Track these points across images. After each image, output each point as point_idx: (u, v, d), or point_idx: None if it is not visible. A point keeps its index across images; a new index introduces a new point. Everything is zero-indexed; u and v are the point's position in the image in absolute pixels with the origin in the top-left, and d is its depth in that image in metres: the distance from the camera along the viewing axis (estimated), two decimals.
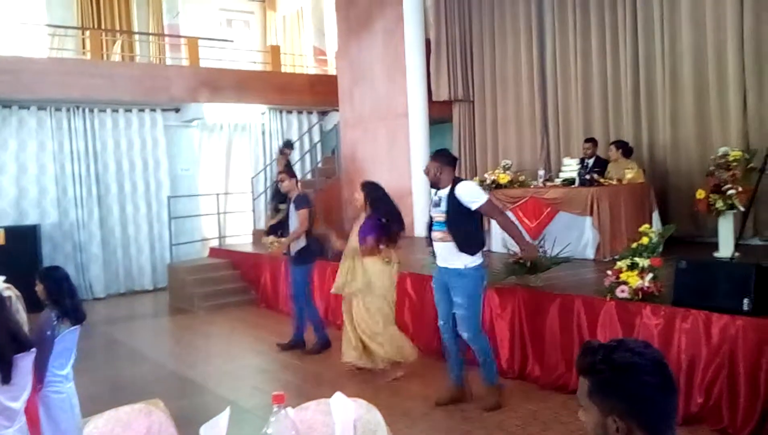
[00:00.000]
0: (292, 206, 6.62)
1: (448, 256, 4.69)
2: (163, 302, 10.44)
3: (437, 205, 4.74)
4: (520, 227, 5.61)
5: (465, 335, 4.74)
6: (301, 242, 6.57)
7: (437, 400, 4.97)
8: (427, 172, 4.79)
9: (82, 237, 10.90)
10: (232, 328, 8.26)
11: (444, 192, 4.70)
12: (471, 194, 4.61)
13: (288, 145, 10.32)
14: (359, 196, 5.64)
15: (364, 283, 5.54)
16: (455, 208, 4.61)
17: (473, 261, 4.65)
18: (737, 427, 4.02)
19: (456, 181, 4.70)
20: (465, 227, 4.64)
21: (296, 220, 6.51)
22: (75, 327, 3.79)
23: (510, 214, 7.71)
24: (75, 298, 3.87)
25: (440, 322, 4.94)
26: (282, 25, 15.53)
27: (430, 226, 4.83)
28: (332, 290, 5.94)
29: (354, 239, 5.66)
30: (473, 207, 4.58)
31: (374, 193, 5.64)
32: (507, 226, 4.78)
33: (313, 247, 6.68)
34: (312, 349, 6.68)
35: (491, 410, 4.75)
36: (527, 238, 4.70)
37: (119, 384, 5.95)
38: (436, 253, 4.81)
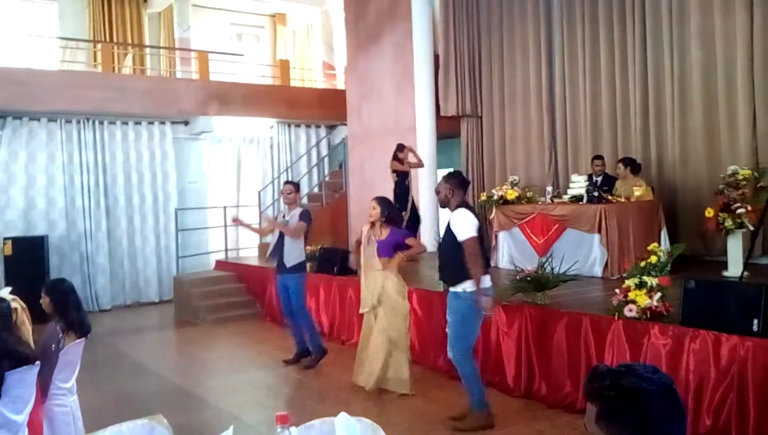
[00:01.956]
0: (296, 220, 6.57)
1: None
2: (168, 314, 10.43)
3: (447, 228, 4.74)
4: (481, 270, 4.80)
5: (450, 355, 4.72)
6: (302, 256, 6.64)
7: (454, 415, 4.90)
8: (437, 192, 4.79)
9: (90, 248, 10.93)
10: (236, 342, 8.24)
11: (449, 217, 4.71)
12: (459, 225, 4.56)
13: (400, 148, 9.38)
14: (375, 210, 5.61)
15: (386, 299, 5.56)
16: (449, 236, 4.62)
17: (473, 286, 4.56)
18: None
19: (458, 206, 4.67)
20: (451, 256, 4.59)
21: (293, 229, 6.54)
22: (80, 340, 3.78)
23: (517, 230, 7.71)
24: (81, 311, 3.86)
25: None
26: (292, 39, 15.64)
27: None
28: (361, 310, 5.83)
29: (372, 255, 5.64)
30: (458, 238, 4.55)
31: (391, 208, 5.68)
32: (472, 271, 4.51)
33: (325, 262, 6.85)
34: (311, 362, 6.66)
35: (456, 430, 4.69)
36: (482, 285, 4.54)
37: (123, 397, 5.93)
38: None
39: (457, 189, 4.70)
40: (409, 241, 5.67)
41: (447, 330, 4.76)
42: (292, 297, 6.66)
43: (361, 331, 5.87)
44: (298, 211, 6.67)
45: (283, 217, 6.71)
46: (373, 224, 5.65)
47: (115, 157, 11.27)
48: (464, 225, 4.55)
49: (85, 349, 3.87)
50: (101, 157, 11.12)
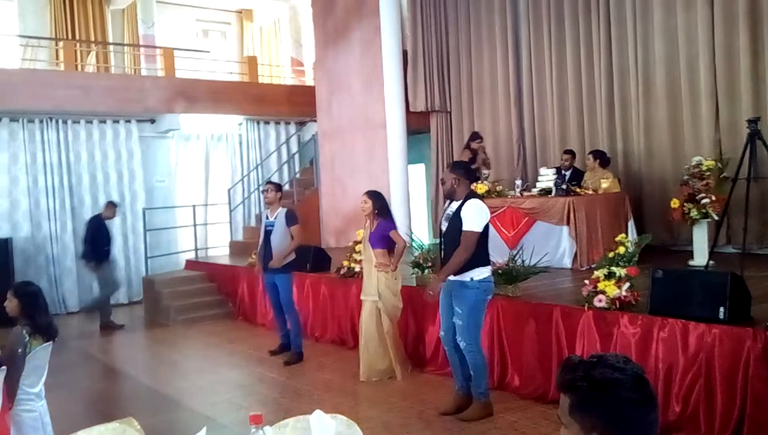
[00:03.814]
0: (282, 220, 6.67)
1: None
2: (138, 316, 10.27)
3: (447, 219, 4.76)
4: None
5: (462, 345, 4.75)
6: (291, 255, 6.80)
7: (443, 409, 4.95)
8: (443, 182, 4.85)
9: (56, 250, 10.70)
10: (208, 342, 8.16)
11: (455, 205, 4.71)
12: (471, 215, 4.59)
13: (473, 137, 8.97)
14: (366, 204, 5.80)
15: (381, 292, 5.81)
16: (456, 224, 4.64)
17: (480, 274, 4.64)
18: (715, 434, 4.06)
19: (468, 196, 4.71)
20: (458, 244, 4.62)
21: (288, 235, 6.67)
22: (47, 343, 3.71)
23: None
24: (48, 314, 3.80)
25: (441, 333, 4.98)
26: (259, 35, 15.50)
27: (441, 238, 4.88)
28: (362, 296, 6.02)
29: (367, 247, 5.89)
30: (464, 226, 4.58)
31: (381, 201, 5.87)
32: (454, 259, 4.59)
33: (298, 259, 7.00)
34: (291, 359, 6.69)
35: (466, 421, 4.73)
36: (483, 275, 4.67)
37: (93, 401, 5.84)
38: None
39: (463, 178, 4.73)
40: (392, 234, 5.83)
41: (455, 320, 4.74)
42: (282, 295, 6.78)
43: (361, 327, 5.98)
44: (281, 211, 6.77)
45: (266, 217, 6.84)
46: (368, 217, 5.88)
47: (80, 157, 11.05)
48: (476, 218, 4.60)
49: (53, 353, 3.80)
50: (65, 157, 10.89)
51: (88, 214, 11.04)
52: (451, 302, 4.75)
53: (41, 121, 10.71)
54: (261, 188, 6.92)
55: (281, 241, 6.67)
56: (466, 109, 10.65)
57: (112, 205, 9.60)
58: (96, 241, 9.24)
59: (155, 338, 8.80)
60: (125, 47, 13.70)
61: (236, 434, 4.58)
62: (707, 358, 4.13)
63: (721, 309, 4.12)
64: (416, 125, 10.67)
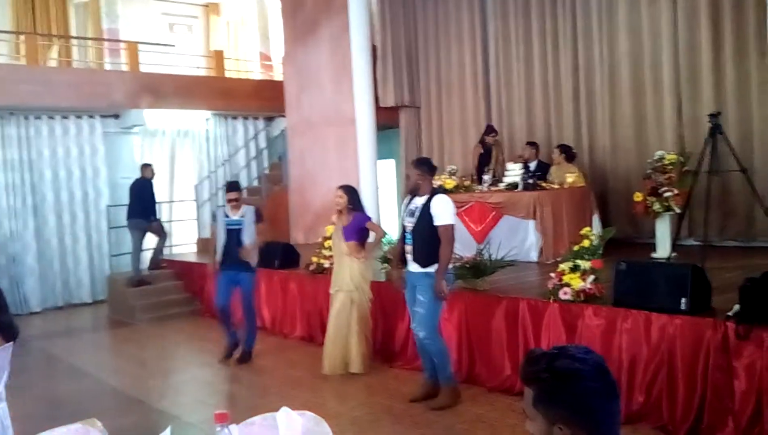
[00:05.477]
0: (251, 218, 6.54)
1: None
2: (102, 315, 10.10)
3: (412, 214, 4.82)
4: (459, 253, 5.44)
5: (420, 334, 4.83)
6: (257, 254, 6.72)
7: (412, 397, 5.04)
8: (407, 178, 4.97)
9: (17, 249, 10.46)
10: (175, 340, 8.06)
11: (420, 201, 4.80)
12: (442, 209, 4.73)
13: (487, 130, 8.79)
14: (341, 199, 5.80)
15: (356, 283, 5.83)
16: (426, 219, 4.73)
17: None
18: (676, 423, 4.15)
19: (434, 191, 4.83)
20: (427, 238, 4.72)
21: (255, 231, 6.56)
22: (8, 344, 3.61)
23: (456, 218, 7.79)
24: (9, 313, 3.70)
25: (412, 325, 5.05)
26: (226, 30, 15.32)
27: (404, 235, 4.93)
28: (331, 290, 5.98)
29: (339, 241, 5.88)
30: (435, 221, 4.70)
31: (356, 195, 5.94)
32: (444, 256, 4.73)
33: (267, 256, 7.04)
34: (245, 357, 6.54)
35: (437, 409, 4.81)
36: (442, 275, 4.74)
37: (56, 402, 5.72)
38: (407, 260, 4.92)
39: (426, 174, 4.85)
40: (369, 224, 5.89)
41: (416, 309, 4.84)
42: (245, 294, 6.59)
43: (330, 321, 5.93)
44: (248, 209, 6.62)
45: (225, 215, 6.57)
46: (340, 212, 5.87)
47: (42, 154, 10.78)
48: (447, 211, 4.75)
49: (14, 354, 3.71)
50: (27, 154, 10.62)
51: (50, 211, 10.83)
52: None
53: (1, 117, 10.44)
54: (225, 187, 6.81)
55: (251, 237, 6.54)
56: (435, 104, 10.69)
57: (148, 166, 10.00)
58: (154, 199, 9.73)
59: (120, 337, 8.66)
60: (88, 41, 13.41)
61: (203, 433, 4.54)
62: (669, 348, 4.21)
63: (683, 300, 4.21)
64: (386, 120, 10.67)
